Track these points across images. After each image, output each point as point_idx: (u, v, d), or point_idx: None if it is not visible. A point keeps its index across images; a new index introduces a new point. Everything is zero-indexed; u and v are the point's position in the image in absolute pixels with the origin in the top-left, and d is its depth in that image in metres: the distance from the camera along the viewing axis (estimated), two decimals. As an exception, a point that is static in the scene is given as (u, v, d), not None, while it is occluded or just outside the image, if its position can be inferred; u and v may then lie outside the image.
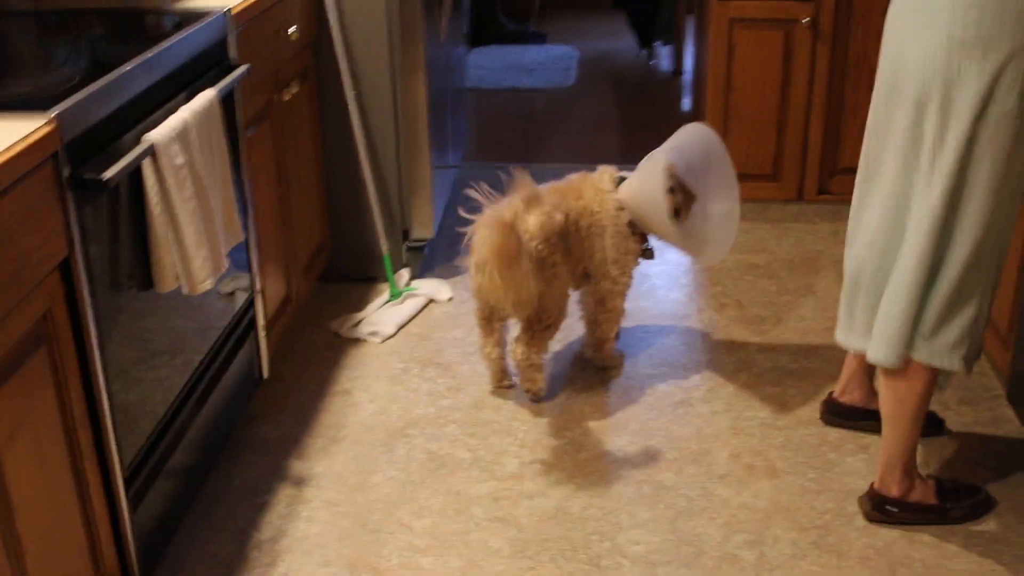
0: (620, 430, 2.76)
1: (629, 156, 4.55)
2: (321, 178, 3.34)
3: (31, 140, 1.65)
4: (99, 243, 1.88)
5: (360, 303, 3.39)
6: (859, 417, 2.72)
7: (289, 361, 3.10)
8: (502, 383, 2.95)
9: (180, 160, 2.03)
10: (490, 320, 2.88)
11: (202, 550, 2.37)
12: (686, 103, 5.55)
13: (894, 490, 2.39)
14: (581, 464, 2.64)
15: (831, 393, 2.76)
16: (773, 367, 3.03)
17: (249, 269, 2.63)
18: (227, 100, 2.40)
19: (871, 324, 2.32)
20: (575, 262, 2.85)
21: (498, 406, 2.87)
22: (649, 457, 2.65)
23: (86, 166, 1.81)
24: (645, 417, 2.82)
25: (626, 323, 3.28)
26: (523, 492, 2.54)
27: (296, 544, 2.38)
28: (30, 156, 1.64)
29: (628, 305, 3.31)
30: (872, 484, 2.42)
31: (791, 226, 3.89)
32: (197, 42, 2.30)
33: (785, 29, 3.63)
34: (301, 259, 3.12)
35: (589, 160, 3.81)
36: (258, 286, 2.68)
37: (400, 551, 2.35)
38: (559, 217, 2.75)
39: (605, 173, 2.90)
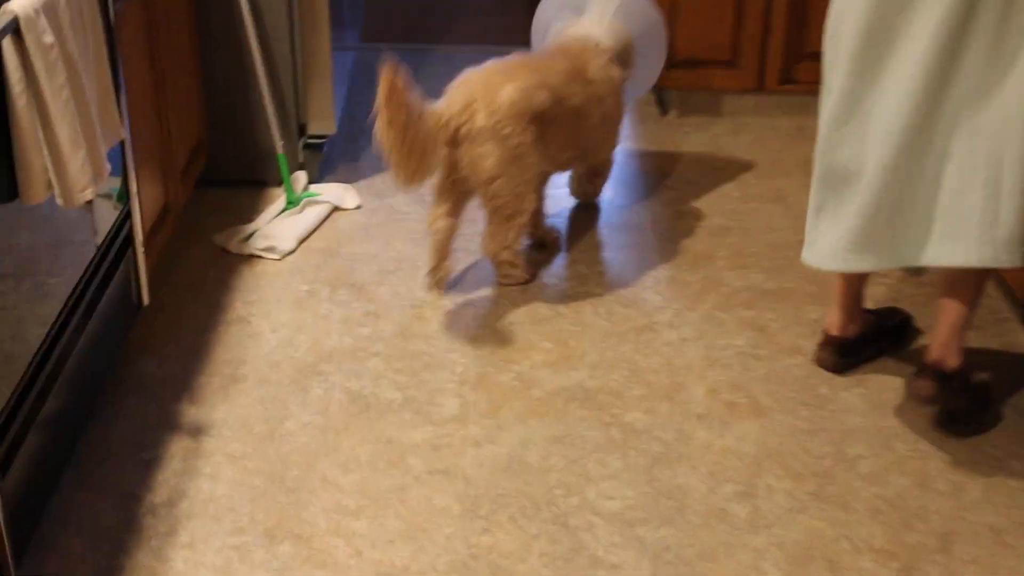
0: (576, 361, 2.64)
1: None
2: (197, 60, 3.09)
3: None
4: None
5: (249, 212, 3.18)
6: (869, 349, 2.65)
7: (170, 284, 2.88)
8: (437, 270, 2.83)
9: (49, 38, 1.79)
10: (446, 188, 2.79)
11: (83, 518, 2.17)
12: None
13: (954, 361, 2.40)
14: (534, 404, 2.51)
15: (827, 334, 2.62)
16: (745, 286, 2.94)
17: (123, 173, 2.40)
18: (96, -39, 2.15)
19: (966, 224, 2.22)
20: (560, 146, 2.84)
21: (428, 335, 2.72)
22: (614, 394, 2.54)
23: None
24: (603, 345, 2.69)
25: (568, 232, 3.14)
26: (468, 438, 2.41)
27: (199, 508, 2.21)
28: None
29: (569, 210, 3.21)
30: (925, 362, 2.43)
31: (749, 120, 3.79)
32: None
33: None
34: (179, 161, 2.89)
35: (500, 43, 3.63)
36: (135, 196, 2.45)
37: (327, 513, 2.20)
38: (541, 97, 2.73)
39: (597, 38, 2.96)
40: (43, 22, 1.78)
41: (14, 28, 1.72)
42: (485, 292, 2.88)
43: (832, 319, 2.62)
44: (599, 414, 2.48)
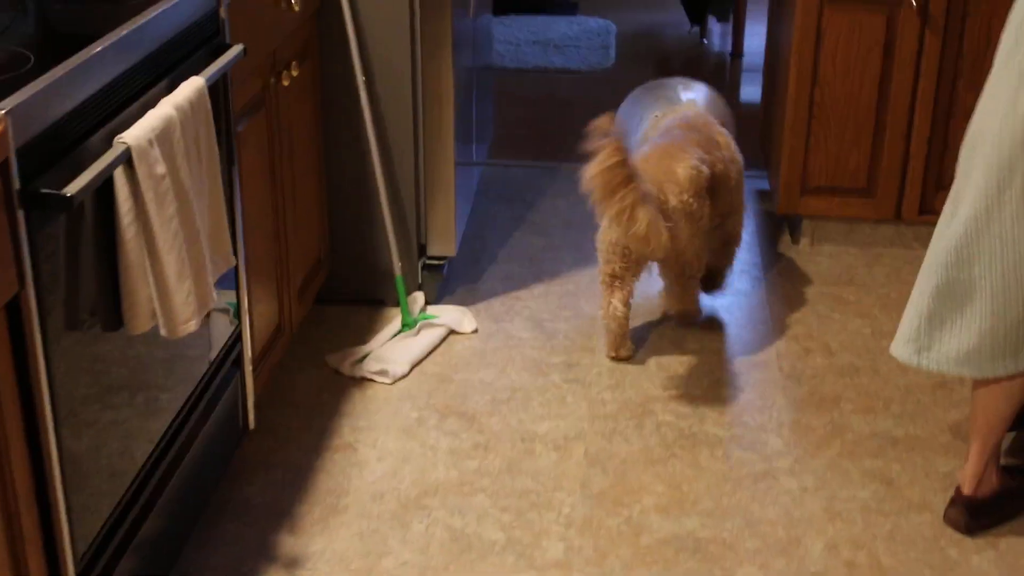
0: (689, 508, 2.55)
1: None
2: (321, 179, 3.12)
3: (-27, 147, 1.43)
4: (56, 275, 1.66)
5: (364, 332, 3.17)
6: (1005, 509, 2.52)
7: (279, 405, 2.88)
8: (620, 351, 3.08)
9: (160, 169, 1.81)
10: (618, 276, 3.03)
11: (170, 653, 2.15)
12: (747, 92, 5.34)
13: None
14: (643, 552, 2.42)
15: (959, 491, 2.50)
16: (872, 433, 2.82)
17: (237, 295, 2.42)
18: (215, 88, 2.18)
19: None
20: (717, 211, 3.11)
21: (536, 471, 2.66)
22: (727, 546, 2.44)
23: (44, 178, 1.59)
24: (719, 492, 2.60)
25: (690, 368, 3.07)
26: (571, 587, 2.33)
27: (287, 647, 2.17)
28: (-29, 168, 1.42)
29: (693, 346, 3.15)
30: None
31: (885, 251, 3.68)
32: (183, 14, 2.08)
33: (887, 12, 3.41)
34: (295, 279, 2.91)
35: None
36: (245, 317, 2.46)
37: (418, 661, 2.14)
38: (706, 169, 3.00)
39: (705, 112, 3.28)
40: (156, 152, 1.80)
41: (126, 159, 1.74)
42: (598, 426, 2.82)
43: (965, 475, 2.49)
44: (710, 567, 2.38)
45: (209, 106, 2.03)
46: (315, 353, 3.09)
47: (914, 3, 3.37)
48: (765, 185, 4.12)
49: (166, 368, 2.09)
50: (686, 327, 3.26)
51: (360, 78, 3.00)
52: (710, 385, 3.00)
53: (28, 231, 1.56)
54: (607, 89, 5.01)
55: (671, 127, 3.15)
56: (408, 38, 3.03)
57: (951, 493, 2.54)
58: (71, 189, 1.58)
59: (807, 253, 3.69)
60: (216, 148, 2.07)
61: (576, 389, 2.97)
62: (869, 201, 3.64)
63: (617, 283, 3.04)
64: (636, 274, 3.05)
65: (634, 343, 3.15)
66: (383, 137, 3.11)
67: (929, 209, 3.62)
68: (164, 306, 1.86)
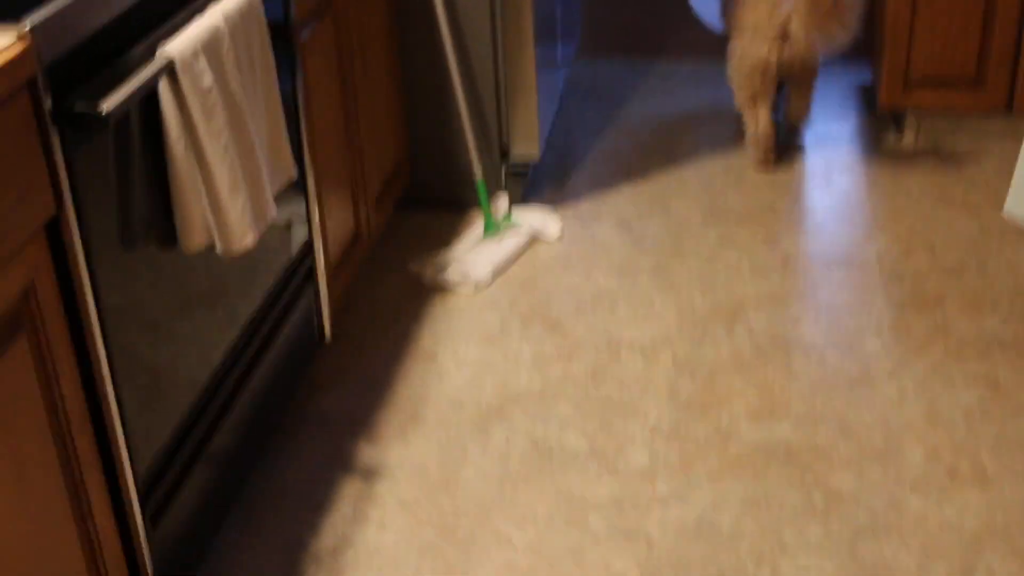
0: (781, 414, 2.46)
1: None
2: (398, 84, 3.05)
3: (-4, 63, 1.38)
4: (100, 194, 1.62)
5: (449, 237, 3.11)
6: None
7: (359, 312, 2.84)
8: (769, 157, 3.41)
9: (207, 81, 1.75)
10: (759, 94, 3.38)
11: (245, 564, 2.14)
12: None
13: None
14: (731, 460, 2.34)
15: None
16: (978, 334, 2.68)
17: (307, 208, 2.37)
18: (275, -8, 2.11)
19: None
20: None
21: (622, 378, 2.59)
22: (820, 454, 2.35)
23: (76, 94, 1.54)
24: (813, 398, 2.50)
25: (784, 269, 2.95)
26: (655, 497, 2.26)
27: (364, 558, 2.15)
28: (-5, 85, 1.37)
29: (788, 245, 3.04)
30: None
31: (995, 145, 3.49)
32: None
33: None
34: (373, 186, 2.85)
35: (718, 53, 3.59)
36: (317, 227, 2.41)
37: (497, 572, 2.10)
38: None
39: None
40: (202, 64, 1.74)
41: (170, 72, 1.68)
42: (687, 331, 2.73)
43: None
44: (802, 475, 2.30)
45: (263, 13, 1.96)
46: (397, 260, 3.04)
47: None
48: (866, 78, 3.93)
49: (233, 278, 2.06)
50: (800, 129, 3.63)
51: (435, -24, 2.91)
52: (807, 287, 2.88)
53: (64, 150, 1.51)
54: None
55: None
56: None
57: (1060, 396, 2.42)
58: (106, 106, 1.52)
59: (912, 148, 3.52)
60: (271, 58, 2.00)
61: (665, 293, 2.87)
62: (978, 92, 3.44)
63: (760, 100, 3.40)
64: (771, 90, 3.41)
65: (725, 241, 3.04)
66: (459, 35, 3.01)
67: (1044, 97, 3.42)
68: (218, 221, 1.81)
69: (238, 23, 1.87)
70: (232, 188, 1.81)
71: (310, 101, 2.37)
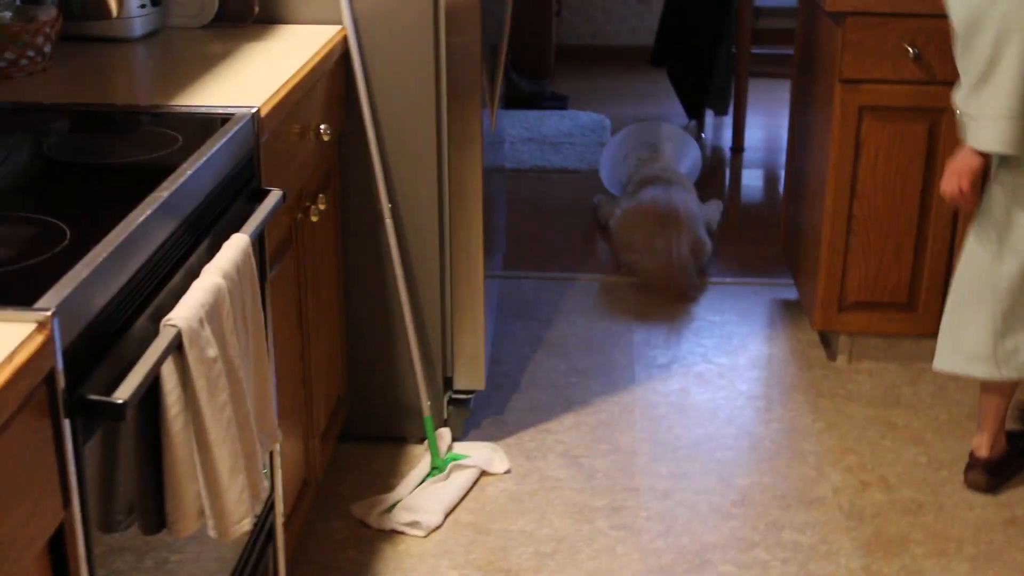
0: None
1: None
2: (342, 313, 2.91)
3: (17, 361, 1.20)
4: (102, 491, 1.43)
5: (390, 475, 2.94)
6: (1014, 467, 2.98)
7: (306, 564, 2.63)
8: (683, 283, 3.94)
9: (212, 351, 1.59)
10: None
11: None
12: (749, 191, 5.20)
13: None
14: None
15: (974, 455, 2.94)
16: (951, 580, 2.62)
17: (270, 462, 2.19)
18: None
19: None
20: None
21: (595, 638, 2.43)
22: None
23: (90, 382, 1.37)
24: (797, 658, 2.38)
25: (743, 507, 2.85)
26: None
27: None
28: (16, 387, 1.20)
29: (742, 482, 2.95)
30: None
31: (928, 368, 3.48)
32: (223, 164, 1.87)
33: (930, 120, 3.26)
34: (319, 423, 2.68)
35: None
36: (279, 481, 2.23)
37: None
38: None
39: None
40: (207, 333, 1.59)
41: (177, 345, 1.52)
42: (655, 583, 2.59)
43: (982, 441, 2.93)
44: None
45: (255, 266, 1.82)
46: (339, 501, 2.85)
47: (957, 111, 3.21)
48: (789, 294, 3.94)
49: (194, 557, 1.86)
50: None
51: (385, 204, 2.80)
52: (768, 528, 2.79)
53: (75, 446, 1.33)
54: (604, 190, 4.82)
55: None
56: (435, 150, 2.83)
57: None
58: (123, 393, 1.36)
59: (846, 371, 3.51)
60: (261, 311, 1.86)
61: (625, 537, 2.74)
62: (910, 316, 3.46)
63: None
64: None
65: (679, 478, 2.94)
66: (408, 262, 2.90)
67: (974, 323, 3.44)
68: (215, 505, 1.63)
69: (235, 280, 1.72)
70: (232, 468, 1.63)
71: (275, 340, 2.21)
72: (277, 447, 2.18)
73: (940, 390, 3.39)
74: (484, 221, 2.92)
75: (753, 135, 5.60)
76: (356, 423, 3.04)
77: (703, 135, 5.76)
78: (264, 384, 1.86)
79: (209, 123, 1.98)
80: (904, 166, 3.31)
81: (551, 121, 5.88)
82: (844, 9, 3.19)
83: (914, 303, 3.45)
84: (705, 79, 5.58)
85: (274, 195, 2.00)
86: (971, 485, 2.92)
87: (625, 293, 4.00)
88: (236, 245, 1.77)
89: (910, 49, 3.18)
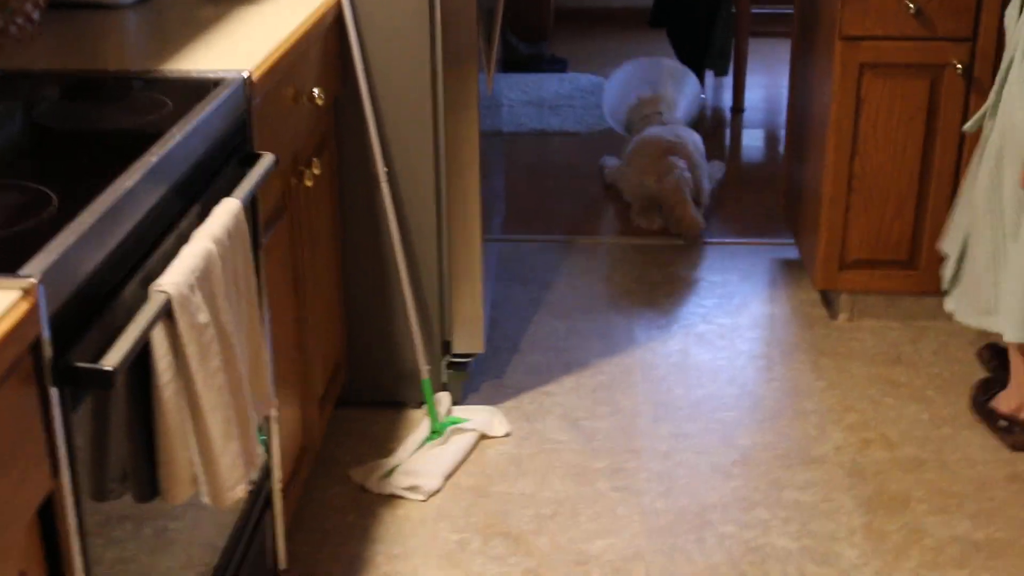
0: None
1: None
2: (339, 279, 2.89)
3: (1, 329, 1.19)
4: (91, 460, 1.42)
5: (389, 440, 2.94)
6: None
7: (306, 531, 2.63)
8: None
9: (203, 317, 1.58)
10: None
11: None
12: (750, 151, 5.17)
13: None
14: None
15: (1014, 418, 2.94)
16: (952, 537, 2.61)
17: (267, 428, 2.18)
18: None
19: None
20: None
21: (596, 600, 2.43)
22: None
23: (77, 349, 1.35)
24: (798, 617, 2.38)
25: (744, 467, 2.84)
26: None
27: None
28: (1, 355, 1.18)
29: (743, 441, 2.93)
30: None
31: (929, 325, 3.48)
32: (213, 129, 1.85)
33: (931, 76, 3.23)
34: (317, 389, 2.67)
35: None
36: (276, 447, 2.22)
37: None
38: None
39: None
40: (197, 298, 1.57)
41: (167, 311, 1.51)
42: (657, 543, 2.59)
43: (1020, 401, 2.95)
44: None
45: (247, 231, 1.80)
46: (338, 466, 2.84)
47: (958, 67, 3.19)
48: (790, 254, 3.92)
49: (204, 526, 1.85)
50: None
51: (381, 168, 2.78)
52: (769, 487, 2.78)
53: (63, 415, 1.32)
54: (608, 151, 4.78)
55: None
56: (431, 114, 2.80)
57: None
58: (111, 361, 1.34)
59: (847, 329, 3.49)
60: (253, 276, 1.84)
61: (626, 498, 2.74)
62: (912, 273, 3.44)
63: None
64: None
65: (680, 439, 2.93)
66: (405, 228, 2.88)
67: (975, 280, 3.42)
68: (208, 472, 1.62)
69: (227, 245, 1.71)
70: (225, 434, 1.62)
71: (270, 306, 2.20)
72: (274, 413, 2.17)
73: (941, 347, 3.37)
74: (481, 184, 2.90)
75: (753, 95, 5.56)
76: (354, 388, 3.03)
77: (703, 96, 5.71)
78: (258, 350, 1.84)
79: (200, 87, 1.95)
80: (905, 123, 3.28)
81: (550, 84, 5.84)
82: (843, -35, 3.16)
83: (915, 261, 3.43)
84: (704, 40, 5.53)
85: (266, 159, 1.98)
86: (1016, 447, 2.91)
87: (625, 254, 3.98)
88: (227, 210, 1.76)
89: (911, 5, 3.15)
